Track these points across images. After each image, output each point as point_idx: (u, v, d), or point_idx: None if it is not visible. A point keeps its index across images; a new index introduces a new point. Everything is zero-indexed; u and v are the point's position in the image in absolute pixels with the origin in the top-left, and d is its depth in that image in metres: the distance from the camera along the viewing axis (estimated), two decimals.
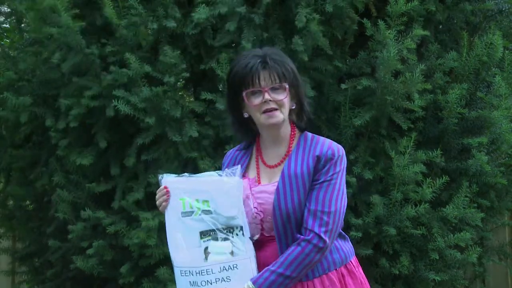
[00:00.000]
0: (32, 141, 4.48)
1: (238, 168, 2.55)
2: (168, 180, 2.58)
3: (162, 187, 2.58)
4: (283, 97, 2.54)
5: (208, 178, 2.55)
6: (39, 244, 4.67)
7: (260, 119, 2.55)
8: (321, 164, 2.52)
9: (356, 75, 4.15)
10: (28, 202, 4.81)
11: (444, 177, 4.12)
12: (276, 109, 2.53)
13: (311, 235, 2.47)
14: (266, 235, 2.57)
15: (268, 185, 2.57)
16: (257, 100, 2.53)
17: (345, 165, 2.58)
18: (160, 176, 2.60)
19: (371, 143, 4.20)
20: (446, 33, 4.53)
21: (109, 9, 3.89)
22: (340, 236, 2.63)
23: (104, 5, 3.89)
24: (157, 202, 2.60)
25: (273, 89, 2.52)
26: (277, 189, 2.53)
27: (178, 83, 3.99)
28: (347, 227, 3.85)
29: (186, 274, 2.52)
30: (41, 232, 4.64)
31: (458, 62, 4.31)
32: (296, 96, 2.60)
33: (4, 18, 4.58)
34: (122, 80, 3.94)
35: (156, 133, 4.00)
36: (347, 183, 3.69)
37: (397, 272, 4.10)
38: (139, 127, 4.07)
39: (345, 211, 2.56)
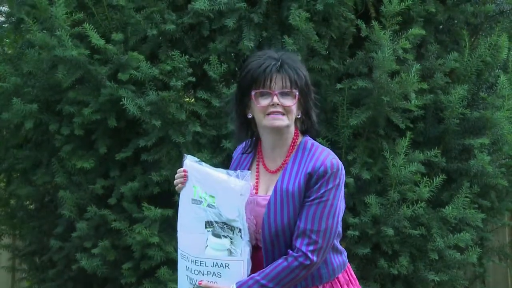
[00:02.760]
0: (32, 142, 4.52)
1: (248, 174, 2.55)
2: (188, 164, 2.62)
3: (182, 169, 2.62)
4: (291, 103, 2.52)
5: (219, 175, 2.57)
6: (40, 243, 4.72)
7: (263, 121, 2.53)
8: (312, 181, 2.49)
9: (353, 76, 4.16)
10: (29, 202, 4.84)
11: (441, 176, 4.11)
12: (282, 113, 2.52)
13: (299, 253, 2.47)
14: (260, 245, 2.58)
15: (262, 197, 2.58)
16: (264, 102, 2.52)
17: (342, 181, 2.54)
18: (184, 156, 2.65)
19: (369, 143, 4.20)
20: (446, 33, 4.52)
21: (94, 38, 3.93)
22: (334, 249, 2.61)
23: (90, 36, 3.93)
24: (175, 182, 2.64)
25: (283, 94, 2.52)
26: (268, 204, 2.53)
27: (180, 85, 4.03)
28: (345, 226, 3.86)
29: (184, 258, 2.59)
30: (42, 231, 4.69)
31: (460, 62, 4.31)
32: (303, 105, 2.58)
33: (4, 18, 4.62)
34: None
35: (159, 136, 4.03)
36: (345, 183, 3.71)
37: (396, 272, 4.11)
38: (139, 133, 4.11)
39: (337, 228, 2.54)
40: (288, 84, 2.52)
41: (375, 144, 4.20)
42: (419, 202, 4.06)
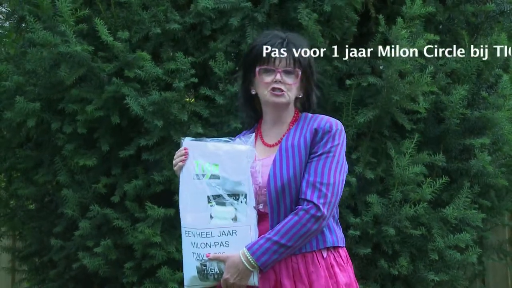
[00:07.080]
0: (33, 141, 4.51)
1: (252, 137, 2.60)
2: (188, 142, 2.64)
3: (182, 148, 2.64)
4: (293, 82, 2.59)
5: (222, 143, 2.61)
6: (40, 243, 4.70)
7: (266, 96, 2.60)
8: (318, 137, 2.55)
9: (356, 75, 4.15)
10: (29, 202, 4.82)
11: (444, 178, 4.11)
12: (283, 91, 2.58)
13: (310, 205, 2.48)
14: (262, 210, 2.58)
15: (266, 159, 2.61)
16: (268, 78, 2.58)
17: (344, 141, 2.61)
18: (182, 139, 2.68)
19: (373, 143, 4.21)
20: (446, 33, 4.53)
21: (104, 33, 3.92)
22: (335, 220, 2.63)
23: (100, 32, 3.91)
24: (174, 162, 2.66)
25: (286, 72, 2.58)
26: (274, 160, 2.57)
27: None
28: (345, 226, 3.86)
29: (189, 235, 2.57)
30: (42, 232, 4.66)
31: (460, 62, 4.31)
32: (305, 86, 2.65)
33: (4, 18, 4.61)
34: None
35: (160, 135, 4.03)
36: (347, 182, 3.72)
37: (396, 273, 4.11)
38: (141, 131, 4.10)
39: (343, 185, 2.58)
40: (292, 62, 2.58)
41: (379, 144, 4.21)
42: (421, 202, 4.06)
